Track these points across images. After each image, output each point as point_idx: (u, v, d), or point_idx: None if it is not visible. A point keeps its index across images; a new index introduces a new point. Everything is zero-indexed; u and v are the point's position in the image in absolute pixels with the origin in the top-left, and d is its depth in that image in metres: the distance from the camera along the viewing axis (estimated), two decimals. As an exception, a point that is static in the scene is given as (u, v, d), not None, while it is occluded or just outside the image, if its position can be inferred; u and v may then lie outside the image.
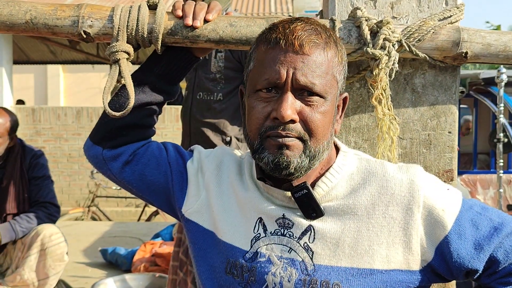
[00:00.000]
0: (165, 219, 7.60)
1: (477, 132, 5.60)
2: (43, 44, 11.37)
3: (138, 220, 8.20)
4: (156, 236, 5.24)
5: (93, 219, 8.01)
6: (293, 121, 1.09)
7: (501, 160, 4.03)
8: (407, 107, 1.49)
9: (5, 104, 8.68)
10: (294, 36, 1.09)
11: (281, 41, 1.10)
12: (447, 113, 1.50)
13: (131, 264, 4.47)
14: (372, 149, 1.49)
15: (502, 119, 3.99)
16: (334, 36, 1.17)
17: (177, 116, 9.19)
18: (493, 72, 4.61)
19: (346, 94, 1.23)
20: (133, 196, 8.33)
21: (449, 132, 1.51)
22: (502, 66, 3.92)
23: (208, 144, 2.45)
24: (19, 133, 3.53)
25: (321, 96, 1.11)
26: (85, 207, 8.14)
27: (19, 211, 3.25)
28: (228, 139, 2.49)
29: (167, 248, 4.47)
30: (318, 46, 1.11)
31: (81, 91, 18.91)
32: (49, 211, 3.29)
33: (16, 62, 10.67)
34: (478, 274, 1.14)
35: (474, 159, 5.57)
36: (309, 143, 1.11)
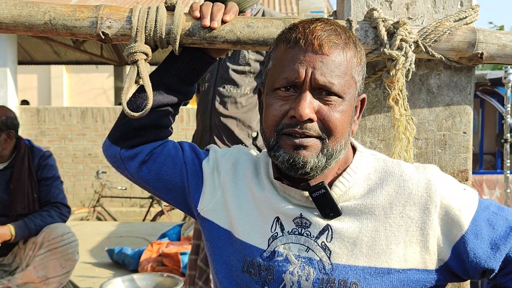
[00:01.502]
0: (170, 219, 7.62)
1: (483, 132, 5.59)
2: (46, 45, 11.41)
3: (143, 220, 8.22)
4: (162, 236, 5.25)
5: (98, 219, 8.04)
6: (310, 120, 1.11)
7: (508, 161, 4.02)
8: (422, 108, 1.50)
9: (10, 104, 8.71)
10: (313, 36, 1.10)
11: (301, 40, 1.11)
12: (462, 113, 1.51)
13: (138, 264, 4.48)
14: (388, 149, 1.50)
15: (509, 120, 3.98)
16: (353, 37, 1.18)
17: (182, 117, 9.20)
18: (500, 72, 4.60)
19: (364, 95, 1.24)
20: (138, 196, 8.37)
21: (464, 133, 1.51)
22: (509, 66, 3.92)
23: (232, 139, 2.36)
24: (24, 134, 3.51)
25: (339, 96, 1.12)
26: (90, 207, 8.16)
27: (29, 211, 3.27)
28: (254, 134, 2.38)
29: (174, 248, 4.49)
30: (337, 47, 1.12)
31: (85, 92, 18.95)
32: (60, 210, 3.31)
33: (20, 62, 10.70)
34: (494, 273, 1.15)
35: (481, 159, 5.57)
36: (327, 142, 1.12)
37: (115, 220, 8.12)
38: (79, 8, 1.37)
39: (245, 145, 2.36)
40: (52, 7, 1.36)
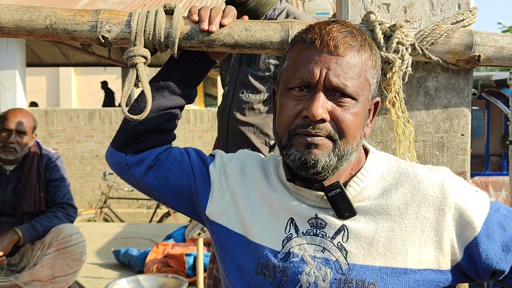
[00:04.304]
0: (177, 221, 7.65)
1: (489, 134, 5.57)
2: (55, 47, 11.49)
3: (150, 221, 8.26)
4: (168, 237, 5.28)
5: (105, 220, 8.08)
6: (323, 121, 1.11)
7: (514, 162, 4.00)
8: (420, 110, 1.50)
9: (19, 106, 8.76)
10: (329, 37, 1.11)
11: (317, 41, 1.12)
12: (460, 115, 1.51)
13: (144, 265, 4.51)
14: (385, 152, 1.50)
15: (515, 121, 3.96)
16: (369, 39, 1.19)
17: (189, 118, 9.23)
18: (506, 74, 4.58)
19: (378, 98, 1.25)
20: (145, 197, 8.37)
21: (462, 135, 1.52)
22: (514, 67, 3.89)
23: (249, 146, 2.22)
24: (32, 135, 3.63)
25: (353, 98, 1.13)
26: (98, 208, 8.21)
27: (35, 209, 3.32)
28: (272, 142, 2.28)
29: (179, 249, 4.51)
30: (352, 48, 1.13)
31: (93, 93, 19.06)
32: (66, 211, 3.36)
33: (28, 64, 10.77)
34: (504, 275, 1.16)
35: (487, 161, 5.55)
36: (339, 143, 1.13)
37: (122, 221, 8.16)
38: (79, 12, 1.39)
39: (262, 154, 2.27)
40: (53, 12, 1.38)
